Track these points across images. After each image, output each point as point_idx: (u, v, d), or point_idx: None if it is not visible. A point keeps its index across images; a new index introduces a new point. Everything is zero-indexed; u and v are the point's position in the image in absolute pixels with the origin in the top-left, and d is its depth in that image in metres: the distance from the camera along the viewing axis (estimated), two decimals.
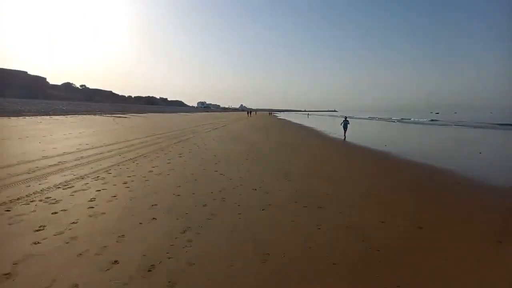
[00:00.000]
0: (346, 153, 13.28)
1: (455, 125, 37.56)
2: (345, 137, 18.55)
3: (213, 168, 8.61)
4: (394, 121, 49.33)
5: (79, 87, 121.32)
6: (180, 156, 10.38)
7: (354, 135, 20.54)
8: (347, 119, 19.97)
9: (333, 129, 25.97)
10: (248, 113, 79.39)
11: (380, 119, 59.09)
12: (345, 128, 19.09)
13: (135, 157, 9.51)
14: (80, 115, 31.52)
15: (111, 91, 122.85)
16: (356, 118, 54.09)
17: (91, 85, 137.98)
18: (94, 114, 33.56)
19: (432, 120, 49.13)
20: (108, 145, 11.84)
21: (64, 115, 30.72)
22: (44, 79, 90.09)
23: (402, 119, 55.22)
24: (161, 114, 51.48)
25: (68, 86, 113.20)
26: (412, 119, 52.16)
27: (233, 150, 12.34)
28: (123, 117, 32.33)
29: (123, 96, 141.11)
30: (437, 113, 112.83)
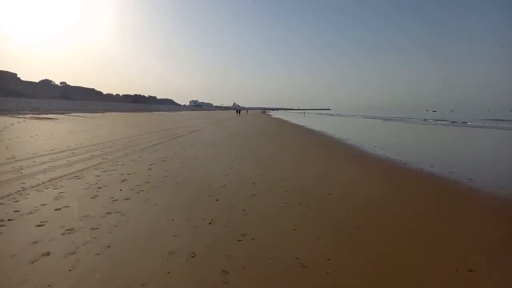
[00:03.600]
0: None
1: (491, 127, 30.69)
2: None
3: None
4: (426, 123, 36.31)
5: (59, 84, 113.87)
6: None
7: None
8: None
9: (356, 135, 18.47)
10: (237, 111, 66.11)
11: (389, 118, 52.29)
12: None
13: None
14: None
15: (93, 89, 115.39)
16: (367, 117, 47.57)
17: (76, 83, 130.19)
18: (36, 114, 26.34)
19: (453, 122, 40.56)
20: None
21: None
22: (15, 75, 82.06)
23: (425, 119, 42.67)
24: (130, 113, 44.18)
25: (46, 83, 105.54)
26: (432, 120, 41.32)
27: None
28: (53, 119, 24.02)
29: (110, 95, 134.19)
30: (434, 111, 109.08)
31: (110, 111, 38.80)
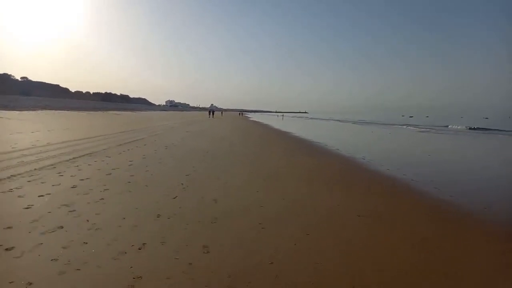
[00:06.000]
0: None
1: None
2: None
3: None
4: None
5: (19, 79, 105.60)
6: None
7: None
8: None
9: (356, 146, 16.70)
10: (210, 113, 55.17)
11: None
12: None
13: None
14: None
15: (58, 85, 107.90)
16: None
17: (42, 79, 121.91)
18: None
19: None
20: None
21: None
22: None
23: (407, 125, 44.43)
24: (87, 112, 40.47)
25: (5, 77, 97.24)
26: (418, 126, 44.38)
27: None
28: None
29: (78, 92, 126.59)
30: (411, 117, 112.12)
31: (62, 109, 34.77)
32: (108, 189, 5.47)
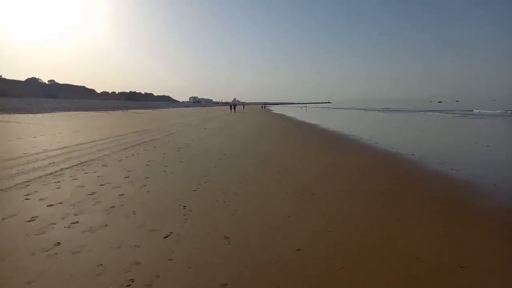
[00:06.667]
0: None
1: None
2: None
3: None
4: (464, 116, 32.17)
5: (47, 82, 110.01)
6: None
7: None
8: None
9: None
10: (231, 107, 55.63)
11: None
12: None
13: None
14: None
15: (84, 86, 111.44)
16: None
17: (68, 81, 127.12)
18: None
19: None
20: None
21: None
22: None
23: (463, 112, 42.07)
24: (107, 112, 40.12)
25: (32, 81, 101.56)
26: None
27: None
28: None
29: (104, 93, 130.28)
30: (440, 102, 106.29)
31: (80, 110, 34.35)
32: (78, 222, 3.77)
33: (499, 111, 34.81)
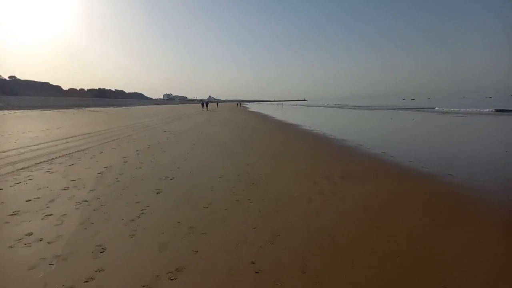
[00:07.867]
0: None
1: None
2: None
3: None
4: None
5: (7, 78, 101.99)
6: None
7: None
8: None
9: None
10: (203, 105, 51.96)
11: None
12: None
13: None
14: None
15: (48, 83, 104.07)
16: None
17: (32, 77, 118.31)
18: None
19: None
20: None
21: None
22: None
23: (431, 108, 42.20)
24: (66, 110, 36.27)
25: None
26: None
27: None
28: None
29: (72, 89, 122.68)
30: (413, 99, 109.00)
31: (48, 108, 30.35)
32: None
33: (464, 109, 36.13)
